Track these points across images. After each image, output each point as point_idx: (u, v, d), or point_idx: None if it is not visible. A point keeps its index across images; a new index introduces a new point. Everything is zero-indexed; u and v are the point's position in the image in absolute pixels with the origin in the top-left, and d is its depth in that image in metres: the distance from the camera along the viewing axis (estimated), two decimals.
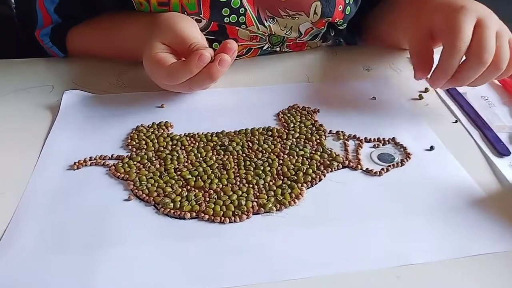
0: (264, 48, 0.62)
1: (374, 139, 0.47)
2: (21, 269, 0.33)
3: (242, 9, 0.55)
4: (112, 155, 0.44)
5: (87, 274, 0.33)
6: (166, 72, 0.47)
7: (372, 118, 0.51)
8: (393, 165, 0.44)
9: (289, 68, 0.61)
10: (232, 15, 0.56)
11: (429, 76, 0.48)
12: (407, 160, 0.44)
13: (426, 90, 0.56)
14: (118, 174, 0.42)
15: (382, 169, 0.43)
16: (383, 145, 0.47)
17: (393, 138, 0.47)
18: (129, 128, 0.48)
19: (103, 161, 0.44)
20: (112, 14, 0.59)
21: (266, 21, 0.57)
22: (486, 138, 0.48)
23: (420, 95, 0.55)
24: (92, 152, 0.44)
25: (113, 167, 0.43)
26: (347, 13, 0.59)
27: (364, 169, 0.43)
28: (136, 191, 0.40)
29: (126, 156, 0.44)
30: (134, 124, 0.49)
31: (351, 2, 0.59)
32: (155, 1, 0.54)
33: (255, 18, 0.56)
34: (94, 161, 0.43)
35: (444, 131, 0.49)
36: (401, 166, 0.44)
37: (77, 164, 0.43)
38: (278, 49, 0.63)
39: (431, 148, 0.46)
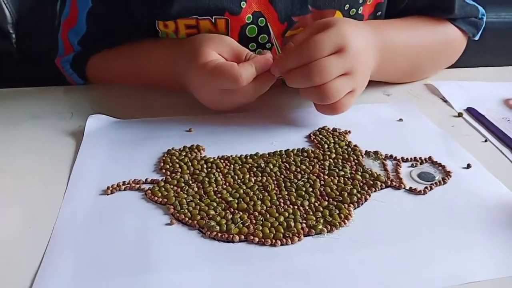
0: None
1: (411, 158, 0.46)
2: None
3: (269, 44, 0.55)
4: (146, 179, 0.42)
5: None
6: (232, 74, 0.45)
7: (403, 139, 0.50)
8: (435, 183, 0.43)
9: None
10: (258, 49, 0.56)
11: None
12: (448, 178, 0.44)
13: (460, 114, 0.56)
14: (156, 198, 0.40)
15: (426, 187, 0.42)
16: (420, 164, 0.46)
17: (430, 157, 0.47)
18: (159, 152, 0.46)
19: (138, 185, 0.41)
20: (135, 42, 0.58)
21: None
22: None
23: (459, 113, 0.56)
24: (123, 176, 0.42)
25: (149, 191, 0.40)
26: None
27: (407, 188, 0.42)
28: (178, 214, 0.38)
29: (161, 180, 0.42)
30: (163, 148, 0.47)
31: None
32: (184, 32, 0.53)
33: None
34: (128, 185, 0.41)
35: (475, 150, 0.49)
36: (443, 184, 0.43)
37: (110, 188, 0.41)
38: None
39: (468, 166, 0.46)
